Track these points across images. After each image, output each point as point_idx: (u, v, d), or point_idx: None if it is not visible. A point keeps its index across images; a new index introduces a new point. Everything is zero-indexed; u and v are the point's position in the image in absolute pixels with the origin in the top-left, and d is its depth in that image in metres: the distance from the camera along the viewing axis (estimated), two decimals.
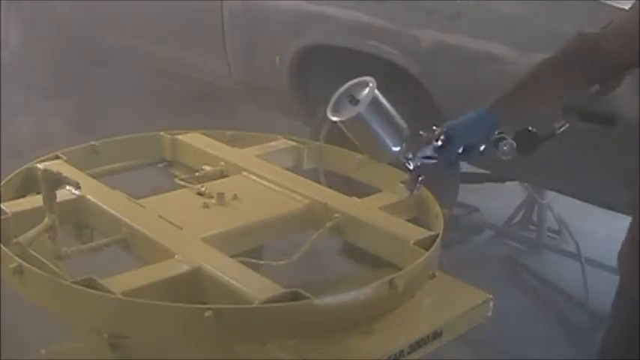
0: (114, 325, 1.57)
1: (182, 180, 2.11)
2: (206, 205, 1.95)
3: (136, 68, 4.80)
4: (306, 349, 1.47)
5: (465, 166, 3.12)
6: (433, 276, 1.73)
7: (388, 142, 1.69)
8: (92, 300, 1.49)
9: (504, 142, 1.66)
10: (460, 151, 1.68)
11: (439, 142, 1.66)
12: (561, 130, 1.67)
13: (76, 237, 1.96)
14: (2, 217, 1.77)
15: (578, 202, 2.98)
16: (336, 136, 3.40)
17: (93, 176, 2.10)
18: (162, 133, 2.37)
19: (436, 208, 1.90)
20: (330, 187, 2.09)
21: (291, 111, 3.84)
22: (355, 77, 3.61)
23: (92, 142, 2.25)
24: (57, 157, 2.14)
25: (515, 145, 1.66)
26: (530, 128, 1.68)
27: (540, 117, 1.70)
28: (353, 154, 2.31)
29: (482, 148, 1.69)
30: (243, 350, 1.55)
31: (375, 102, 1.65)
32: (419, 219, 1.96)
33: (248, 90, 4.01)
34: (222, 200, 1.96)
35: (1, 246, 1.64)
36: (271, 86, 3.79)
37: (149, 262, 1.71)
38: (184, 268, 1.63)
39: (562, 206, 3.72)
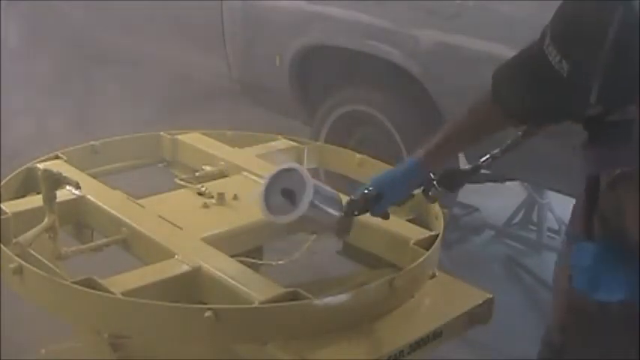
0: (114, 325, 1.57)
1: (182, 180, 2.11)
2: (206, 205, 1.95)
3: (136, 68, 4.80)
4: (306, 349, 1.47)
5: (464, 166, 3.13)
6: (433, 276, 1.73)
7: (329, 221, 1.61)
8: (92, 300, 1.49)
9: (431, 188, 1.65)
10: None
11: (370, 202, 1.63)
12: (484, 162, 1.66)
13: (76, 237, 1.96)
14: (2, 217, 1.77)
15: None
16: (336, 136, 3.43)
17: (93, 176, 2.10)
18: (162, 133, 2.38)
19: (436, 208, 1.90)
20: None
21: (291, 111, 3.84)
22: (355, 77, 3.61)
23: (92, 142, 2.25)
24: (57, 157, 2.15)
25: (439, 188, 1.65)
26: (457, 168, 1.71)
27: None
28: (353, 153, 2.31)
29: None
30: (243, 350, 1.56)
31: (314, 195, 1.56)
32: (419, 219, 1.96)
33: (248, 90, 4.01)
34: (222, 200, 1.96)
35: (1, 246, 1.64)
36: (271, 86, 3.79)
37: (149, 262, 1.71)
38: (184, 268, 1.63)
39: (562, 206, 3.71)
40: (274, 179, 1.61)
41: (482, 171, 1.71)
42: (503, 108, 1.42)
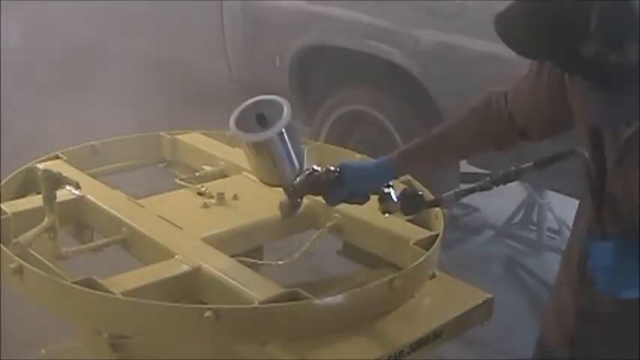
0: (114, 325, 1.57)
1: (182, 180, 2.11)
2: (206, 205, 1.95)
3: (136, 68, 4.80)
4: (306, 349, 1.47)
5: (464, 166, 3.13)
6: (433, 276, 1.73)
7: (287, 170, 1.59)
8: (92, 300, 1.49)
9: (389, 199, 1.61)
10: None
11: (330, 180, 1.61)
12: (447, 197, 1.64)
13: (76, 237, 1.96)
14: (2, 217, 1.77)
15: (578, 202, 2.98)
16: (336, 136, 3.43)
17: (93, 176, 2.10)
18: (162, 133, 2.37)
19: (436, 208, 1.90)
20: None
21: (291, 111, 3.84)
22: (355, 77, 3.62)
23: (92, 142, 2.25)
24: (57, 157, 2.14)
25: (398, 203, 1.62)
26: (420, 192, 1.65)
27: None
28: (353, 154, 2.31)
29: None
30: (243, 350, 1.56)
31: (288, 128, 1.54)
32: (419, 219, 1.96)
33: (248, 90, 4.01)
34: (222, 200, 1.96)
35: (1, 246, 1.64)
36: (271, 86, 3.79)
37: (149, 262, 1.71)
38: (184, 268, 1.63)
39: (562, 206, 3.72)
40: (253, 105, 1.57)
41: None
42: (518, 50, 1.36)
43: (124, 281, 1.57)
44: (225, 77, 4.01)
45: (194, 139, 2.36)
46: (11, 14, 5.27)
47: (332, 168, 1.62)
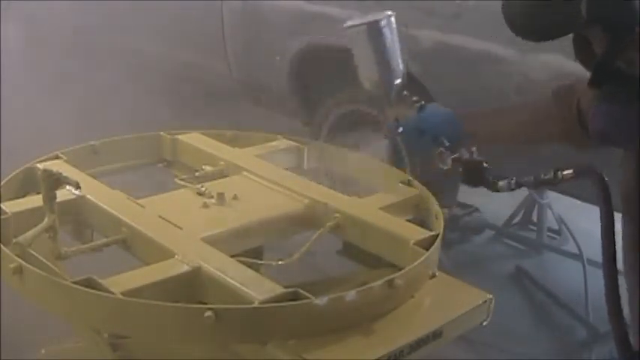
0: (114, 325, 1.57)
1: (182, 180, 2.10)
2: (206, 205, 1.95)
3: (136, 68, 4.80)
4: (306, 349, 1.47)
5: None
6: (433, 276, 1.73)
7: (384, 68, 1.78)
8: (92, 300, 1.49)
9: (450, 156, 1.68)
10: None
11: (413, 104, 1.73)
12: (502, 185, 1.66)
13: (76, 237, 1.96)
14: (2, 217, 1.77)
15: (578, 202, 2.99)
16: (336, 136, 3.43)
17: (93, 176, 2.10)
18: (162, 133, 2.37)
19: (436, 208, 1.90)
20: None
21: (291, 111, 3.84)
22: (355, 77, 3.61)
23: (92, 142, 2.25)
24: (57, 157, 2.14)
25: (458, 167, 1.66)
26: (485, 164, 1.65)
27: None
28: (353, 154, 2.31)
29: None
30: (243, 350, 1.56)
31: (387, 25, 1.78)
32: (419, 219, 1.96)
33: (248, 90, 4.02)
34: (222, 200, 1.96)
35: (1, 246, 1.64)
36: (271, 86, 3.80)
37: (149, 262, 1.71)
38: (184, 268, 1.63)
39: (562, 206, 3.72)
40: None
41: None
42: (520, 33, 1.39)
43: (124, 281, 1.57)
44: (225, 77, 4.01)
45: (194, 139, 2.36)
46: (11, 14, 5.27)
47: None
